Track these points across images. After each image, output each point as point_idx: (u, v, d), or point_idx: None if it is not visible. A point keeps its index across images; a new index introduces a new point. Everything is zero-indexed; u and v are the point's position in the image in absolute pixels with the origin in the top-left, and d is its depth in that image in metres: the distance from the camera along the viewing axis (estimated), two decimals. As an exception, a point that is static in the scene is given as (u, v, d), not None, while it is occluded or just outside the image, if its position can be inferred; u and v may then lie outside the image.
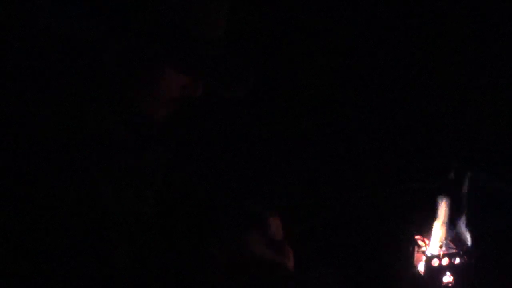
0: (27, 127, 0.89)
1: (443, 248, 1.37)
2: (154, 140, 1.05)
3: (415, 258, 1.40)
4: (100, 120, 0.96)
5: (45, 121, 0.90)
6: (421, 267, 1.39)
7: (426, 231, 1.40)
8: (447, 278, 1.36)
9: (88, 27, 0.92)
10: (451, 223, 1.39)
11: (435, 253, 1.36)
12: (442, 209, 1.37)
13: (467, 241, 1.38)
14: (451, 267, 1.35)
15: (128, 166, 1.01)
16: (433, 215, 1.39)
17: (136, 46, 0.93)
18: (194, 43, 0.95)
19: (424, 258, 1.37)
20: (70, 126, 0.93)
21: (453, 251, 1.37)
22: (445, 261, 1.35)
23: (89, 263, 0.91)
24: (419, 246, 1.40)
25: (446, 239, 1.39)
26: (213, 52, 0.97)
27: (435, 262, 1.35)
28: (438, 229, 1.38)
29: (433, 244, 1.38)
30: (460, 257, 1.36)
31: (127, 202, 1.02)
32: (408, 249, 1.41)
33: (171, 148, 1.13)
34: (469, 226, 1.41)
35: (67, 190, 0.90)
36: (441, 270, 1.35)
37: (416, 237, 1.42)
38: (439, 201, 1.37)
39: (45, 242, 0.87)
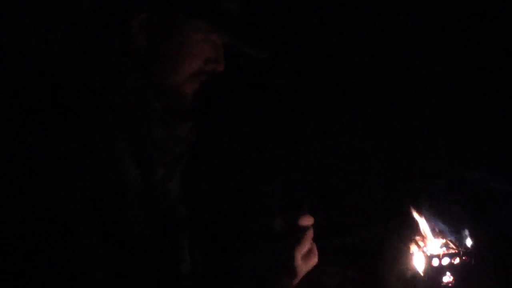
0: (59, 94, 0.90)
1: (443, 248, 1.38)
2: (183, 115, 1.06)
3: (415, 258, 1.41)
4: (135, 93, 0.97)
5: (78, 95, 0.91)
6: (421, 267, 1.39)
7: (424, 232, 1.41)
8: (447, 278, 1.36)
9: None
10: (452, 224, 1.40)
11: (435, 253, 1.37)
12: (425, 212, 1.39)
13: (467, 241, 1.38)
14: (451, 267, 1.36)
15: (159, 140, 1.01)
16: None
17: (160, 14, 0.95)
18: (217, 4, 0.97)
19: (424, 258, 1.38)
20: (106, 97, 0.93)
21: (453, 251, 1.37)
22: (445, 261, 1.36)
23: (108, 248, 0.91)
24: (419, 246, 1.40)
25: (446, 239, 1.40)
26: (235, 11, 1.00)
27: (435, 262, 1.35)
28: (427, 229, 1.39)
29: (432, 244, 1.39)
30: (460, 257, 1.36)
31: (156, 179, 1.01)
32: (408, 249, 1.42)
33: (198, 125, 1.12)
34: (469, 226, 1.41)
35: (92, 164, 0.89)
36: (441, 270, 1.36)
37: (416, 237, 1.42)
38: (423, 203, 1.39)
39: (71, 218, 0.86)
